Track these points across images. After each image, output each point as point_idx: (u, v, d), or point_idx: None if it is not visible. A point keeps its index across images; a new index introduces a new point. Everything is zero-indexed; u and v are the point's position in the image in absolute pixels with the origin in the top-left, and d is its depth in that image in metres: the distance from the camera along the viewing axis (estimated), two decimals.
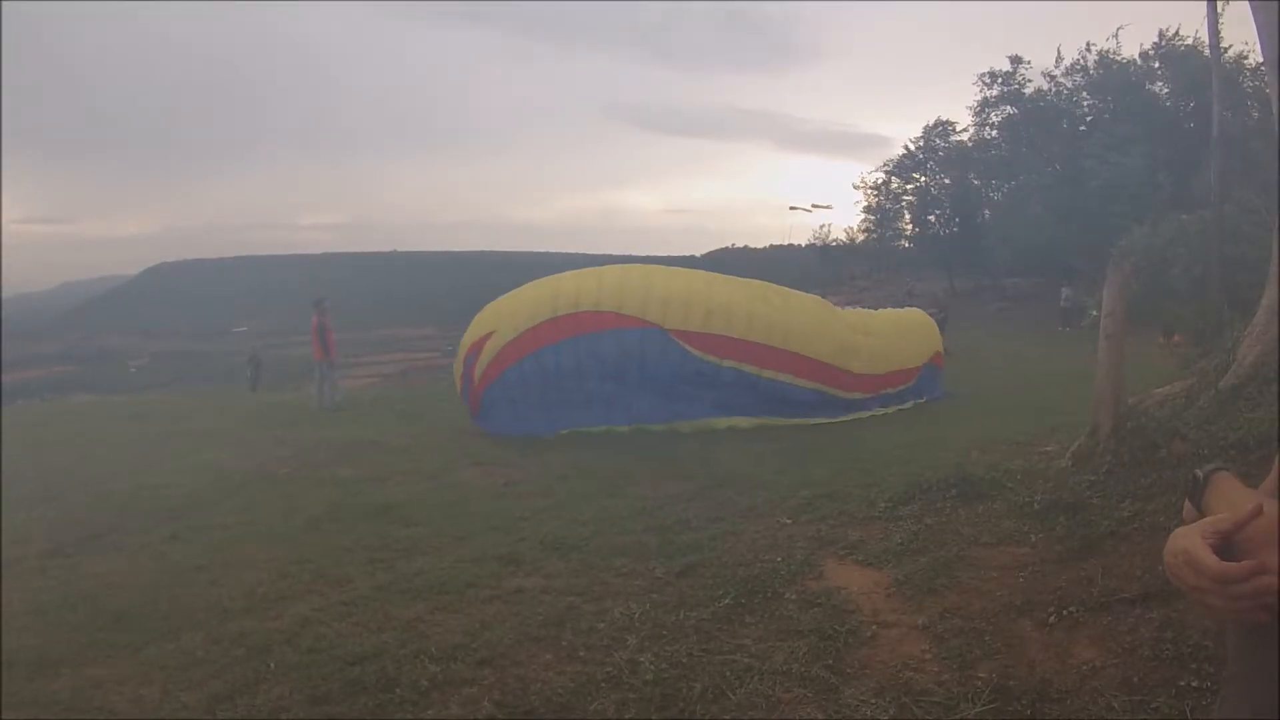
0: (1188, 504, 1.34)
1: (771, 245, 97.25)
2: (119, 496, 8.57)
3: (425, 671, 3.99)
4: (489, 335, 9.04)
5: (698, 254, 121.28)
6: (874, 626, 4.10)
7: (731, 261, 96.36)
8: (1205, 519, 1.19)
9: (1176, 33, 33.50)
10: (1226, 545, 1.13)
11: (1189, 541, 1.14)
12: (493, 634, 4.35)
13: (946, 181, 41.37)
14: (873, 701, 3.43)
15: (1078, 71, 35.41)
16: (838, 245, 53.03)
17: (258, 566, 6.00)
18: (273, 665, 4.24)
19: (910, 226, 43.56)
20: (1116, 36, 35.48)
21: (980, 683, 3.48)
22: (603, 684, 3.72)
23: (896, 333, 11.60)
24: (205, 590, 5.62)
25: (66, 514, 7.99)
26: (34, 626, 5.11)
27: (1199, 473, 1.33)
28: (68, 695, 4.15)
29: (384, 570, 5.72)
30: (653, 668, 3.77)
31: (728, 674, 3.68)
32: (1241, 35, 26.42)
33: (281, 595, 5.36)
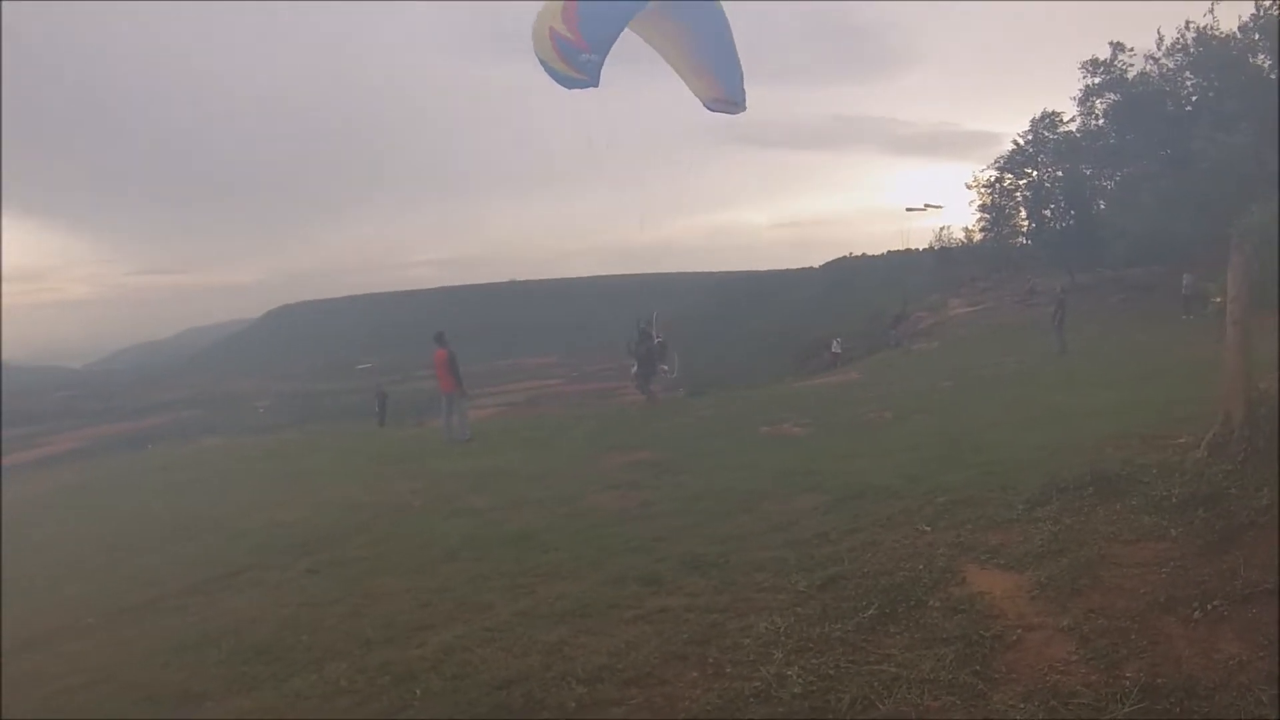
0: None
1: (889, 251, 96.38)
2: (254, 534, 8.95)
3: (571, 694, 4.09)
4: None
5: (815, 265, 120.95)
6: (1019, 630, 4.09)
7: (852, 270, 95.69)
8: None
9: (1274, 2, 32.02)
10: None
11: None
12: (637, 654, 4.42)
13: (1059, 175, 39.97)
14: (1021, 706, 3.44)
15: (1178, 51, 34.10)
16: (957, 247, 52.00)
17: (397, 597, 6.19)
18: (419, 692, 4.39)
19: (1026, 222, 42.17)
20: (1213, 11, 34.11)
21: (1128, 682, 3.47)
22: (751, 699, 3.77)
23: None
24: (346, 621, 5.80)
25: (204, 553, 8.40)
26: (176, 662, 5.39)
27: None
28: None
29: (525, 596, 5.81)
30: (800, 681, 3.82)
31: (875, 684, 3.71)
32: None
33: (423, 624, 5.51)
